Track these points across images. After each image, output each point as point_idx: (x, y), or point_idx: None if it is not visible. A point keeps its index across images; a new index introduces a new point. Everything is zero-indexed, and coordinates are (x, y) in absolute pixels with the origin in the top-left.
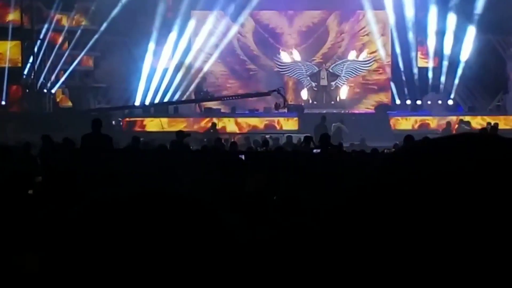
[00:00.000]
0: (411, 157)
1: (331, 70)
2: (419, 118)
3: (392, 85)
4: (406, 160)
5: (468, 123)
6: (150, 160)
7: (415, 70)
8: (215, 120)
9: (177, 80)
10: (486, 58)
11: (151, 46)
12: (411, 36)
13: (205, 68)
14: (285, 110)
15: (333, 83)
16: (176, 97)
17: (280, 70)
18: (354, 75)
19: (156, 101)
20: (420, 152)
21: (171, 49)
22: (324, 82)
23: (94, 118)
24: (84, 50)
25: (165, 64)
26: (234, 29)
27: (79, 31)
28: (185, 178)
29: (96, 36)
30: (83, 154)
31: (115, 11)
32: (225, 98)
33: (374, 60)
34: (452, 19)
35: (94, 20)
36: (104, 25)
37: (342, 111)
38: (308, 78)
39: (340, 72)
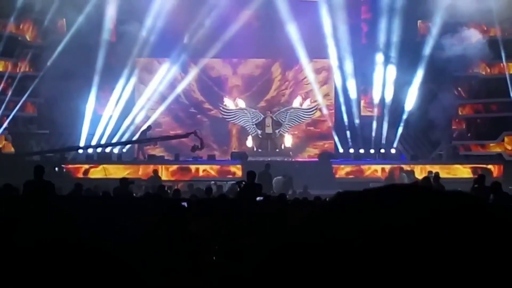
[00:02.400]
0: (335, 216)
1: (275, 118)
2: (362, 166)
3: (335, 133)
4: (329, 218)
5: (410, 172)
6: (93, 207)
7: (358, 119)
8: (158, 167)
9: (123, 128)
10: (429, 108)
11: (94, 92)
12: (354, 85)
13: (152, 117)
14: (200, 150)
15: (277, 130)
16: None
17: (225, 117)
18: (297, 123)
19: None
20: (344, 210)
21: (116, 96)
22: (269, 129)
23: (36, 165)
24: (24, 96)
25: (110, 111)
26: (179, 76)
27: (21, 77)
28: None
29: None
30: (24, 200)
31: (54, 56)
32: (142, 142)
33: (317, 108)
34: (395, 68)
35: (36, 65)
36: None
37: (286, 159)
38: (254, 125)
39: (283, 120)
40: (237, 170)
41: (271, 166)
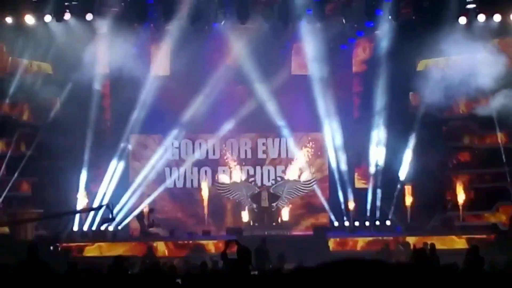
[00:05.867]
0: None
1: (272, 191)
2: (357, 239)
3: (330, 206)
4: None
5: (406, 244)
6: (88, 286)
7: (352, 192)
8: (153, 243)
9: (120, 204)
10: (423, 179)
11: (85, 170)
12: (347, 157)
13: (150, 196)
14: (111, 222)
15: (274, 204)
16: (117, 220)
17: (220, 191)
18: (296, 195)
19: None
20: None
21: (110, 173)
22: (265, 203)
23: (30, 244)
24: (15, 175)
25: (104, 188)
26: (176, 154)
27: (15, 156)
28: None
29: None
30: (18, 281)
31: (49, 135)
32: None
33: (315, 181)
34: (388, 140)
35: (30, 144)
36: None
37: (281, 233)
38: (249, 199)
39: (281, 193)
40: (232, 245)
41: (267, 240)
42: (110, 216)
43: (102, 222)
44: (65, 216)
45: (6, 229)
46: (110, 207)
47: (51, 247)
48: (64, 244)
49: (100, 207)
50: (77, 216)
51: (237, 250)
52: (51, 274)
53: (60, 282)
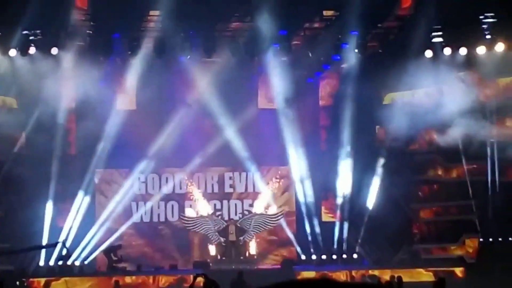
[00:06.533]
0: None
1: (239, 225)
2: (325, 272)
3: (297, 240)
4: None
5: (374, 277)
6: None
7: (319, 225)
8: (120, 278)
9: (85, 240)
10: (388, 210)
11: (51, 203)
12: (315, 191)
13: (118, 231)
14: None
15: (241, 238)
16: (83, 255)
17: (186, 225)
18: (263, 229)
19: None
20: None
21: (76, 207)
22: (232, 237)
23: None
24: None
25: (70, 222)
26: (140, 187)
27: None
28: None
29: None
30: None
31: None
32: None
33: (283, 214)
34: (354, 173)
35: None
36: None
37: (248, 267)
38: (217, 233)
39: (248, 226)
40: (199, 280)
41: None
42: (65, 253)
43: (58, 259)
44: (21, 252)
45: None
46: (64, 244)
47: (17, 282)
48: (31, 279)
49: (55, 244)
50: (43, 251)
51: (204, 284)
52: None
53: None
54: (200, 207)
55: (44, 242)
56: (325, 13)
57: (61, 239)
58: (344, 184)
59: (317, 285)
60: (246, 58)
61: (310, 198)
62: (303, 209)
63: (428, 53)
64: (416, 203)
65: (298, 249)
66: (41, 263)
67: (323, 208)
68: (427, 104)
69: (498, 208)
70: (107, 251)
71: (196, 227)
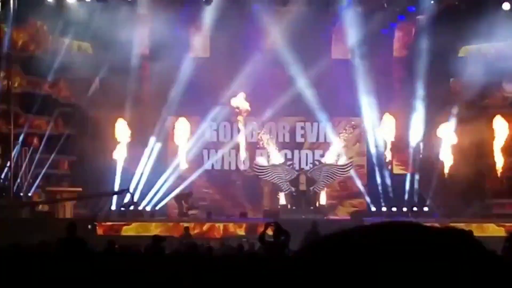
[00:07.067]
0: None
1: (309, 175)
2: None
3: (367, 192)
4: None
5: None
6: (125, 264)
7: (390, 177)
8: (190, 224)
9: (158, 185)
10: (461, 164)
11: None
12: (387, 143)
13: (188, 179)
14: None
15: (311, 188)
16: (155, 200)
17: (258, 174)
18: (332, 180)
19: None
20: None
21: (147, 154)
22: (303, 187)
23: (69, 223)
24: (53, 153)
25: (142, 169)
26: (211, 134)
27: (54, 135)
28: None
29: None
30: (57, 258)
31: (88, 114)
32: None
33: (352, 166)
34: (430, 127)
35: (69, 124)
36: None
37: (318, 217)
38: (287, 183)
39: (318, 177)
40: (270, 228)
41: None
42: (132, 201)
43: (124, 206)
44: (90, 198)
45: (45, 207)
46: (131, 191)
47: (89, 226)
48: (102, 223)
49: (123, 191)
50: (114, 196)
51: (275, 233)
52: (90, 252)
53: (98, 261)
54: (271, 156)
55: (116, 187)
56: None
57: (130, 186)
58: (416, 136)
59: (407, 227)
60: (320, 8)
61: (382, 149)
62: (374, 160)
63: (506, 6)
64: (489, 157)
65: (368, 200)
66: (113, 207)
67: (394, 160)
68: (503, 58)
69: None
70: (178, 198)
71: (268, 175)
